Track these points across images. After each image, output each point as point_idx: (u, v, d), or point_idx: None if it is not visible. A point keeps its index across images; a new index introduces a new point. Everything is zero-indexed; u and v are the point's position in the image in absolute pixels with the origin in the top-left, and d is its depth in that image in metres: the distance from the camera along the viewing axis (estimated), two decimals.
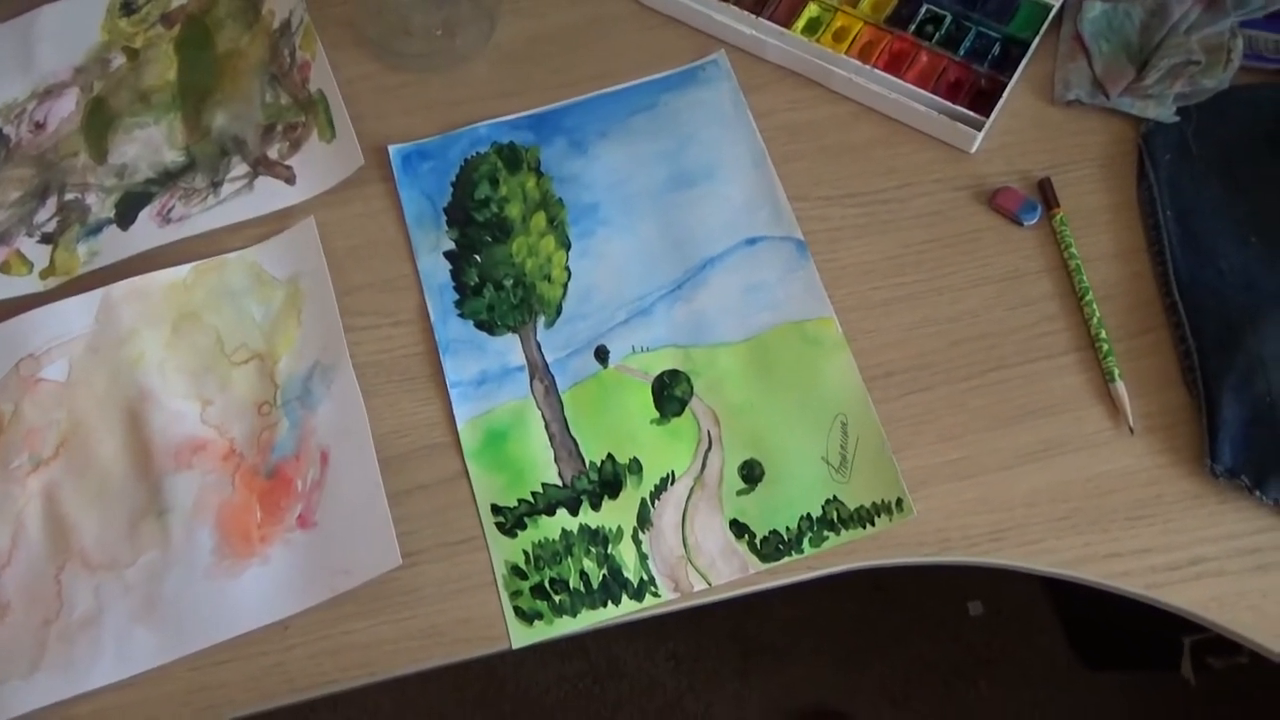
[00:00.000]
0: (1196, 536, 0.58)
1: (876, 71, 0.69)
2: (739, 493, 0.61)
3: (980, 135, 0.67)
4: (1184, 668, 0.97)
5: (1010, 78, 0.68)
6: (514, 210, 0.69)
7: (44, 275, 0.68)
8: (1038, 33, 0.70)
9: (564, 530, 0.60)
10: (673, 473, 0.62)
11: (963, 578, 0.56)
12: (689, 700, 1.28)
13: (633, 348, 0.65)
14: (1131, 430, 0.61)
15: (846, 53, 0.70)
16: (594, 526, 0.60)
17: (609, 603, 0.59)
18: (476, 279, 0.67)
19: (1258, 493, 0.58)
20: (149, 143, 0.73)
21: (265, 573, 0.60)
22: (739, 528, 0.60)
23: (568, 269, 0.67)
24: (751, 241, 0.67)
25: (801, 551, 0.59)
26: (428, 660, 0.58)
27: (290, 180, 0.70)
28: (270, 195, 0.70)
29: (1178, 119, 0.67)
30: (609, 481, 0.62)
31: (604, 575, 0.59)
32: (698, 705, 1.28)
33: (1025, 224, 0.66)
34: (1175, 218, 0.65)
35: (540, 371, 0.65)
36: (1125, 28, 0.69)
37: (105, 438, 0.63)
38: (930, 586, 1.32)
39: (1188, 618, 0.57)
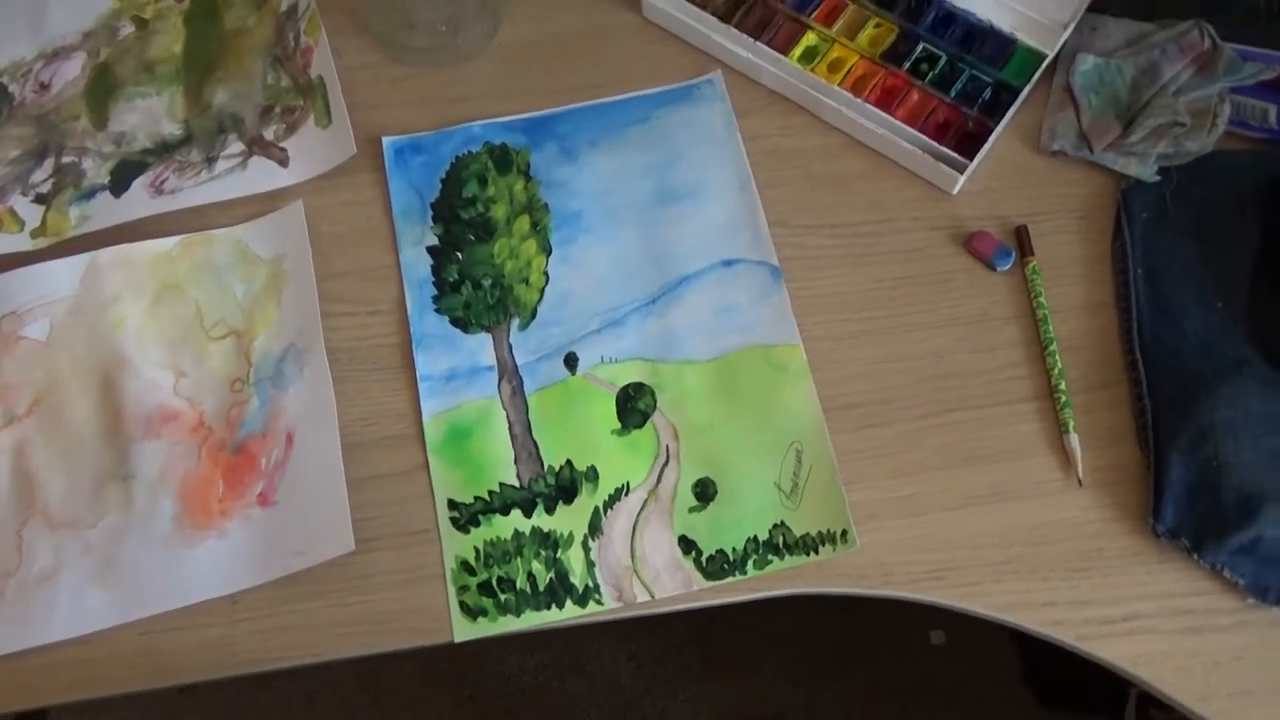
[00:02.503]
0: (1133, 593, 0.59)
1: (867, 106, 0.70)
2: (690, 510, 0.62)
3: (963, 177, 0.68)
4: (1127, 716, 0.99)
5: (998, 122, 0.69)
6: (499, 211, 0.70)
7: (34, 234, 0.70)
8: (1029, 81, 0.70)
9: (516, 531, 0.62)
10: (628, 484, 0.63)
11: (927, 607, 0.57)
12: (646, 702, 1.30)
13: (601, 357, 0.66)
14: (1080, 483, 0.62)
15: (840, 84, 0.71)
16: (546, 530, 0.62)
17: (553, 606, 0.60)
18: (456, 276, 0.68)
19: (1196, 555, 0.59)
20: (149, 113, 0.74)
21: (222, 546, 0.61)
22: (687, 544, 0.61)
23: (546, 274, 0.68)
24: (728, 263, 0.68)
25: (745, 573, 0.60)
26: (371, 646, 0.59)
27: (283, 162, 0.71)
28: (262, 175, 0.71)
29: (1158, 178, 0.68)
30: (565, 487, 0.63)
31: (551, 578, 0.60)
32: (654, 708, 1.29)
33: (998, 269, 0.67)
34: (1145, 276, 0.66)
35: (509, 373, 0.66)
36: (1116, 84, 0.70)
37: (79, 400, 0.65)
38: (895, 612, 1.33)
39: (1116, 672, 0.58)
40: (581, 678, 1.32)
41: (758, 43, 0.72)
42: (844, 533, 0.61)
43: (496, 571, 0.61)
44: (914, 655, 1.32)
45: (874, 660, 1.31)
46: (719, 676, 1.31)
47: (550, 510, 0.62)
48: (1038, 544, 0.61)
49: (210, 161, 0.72)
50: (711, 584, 0.60)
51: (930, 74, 0.71)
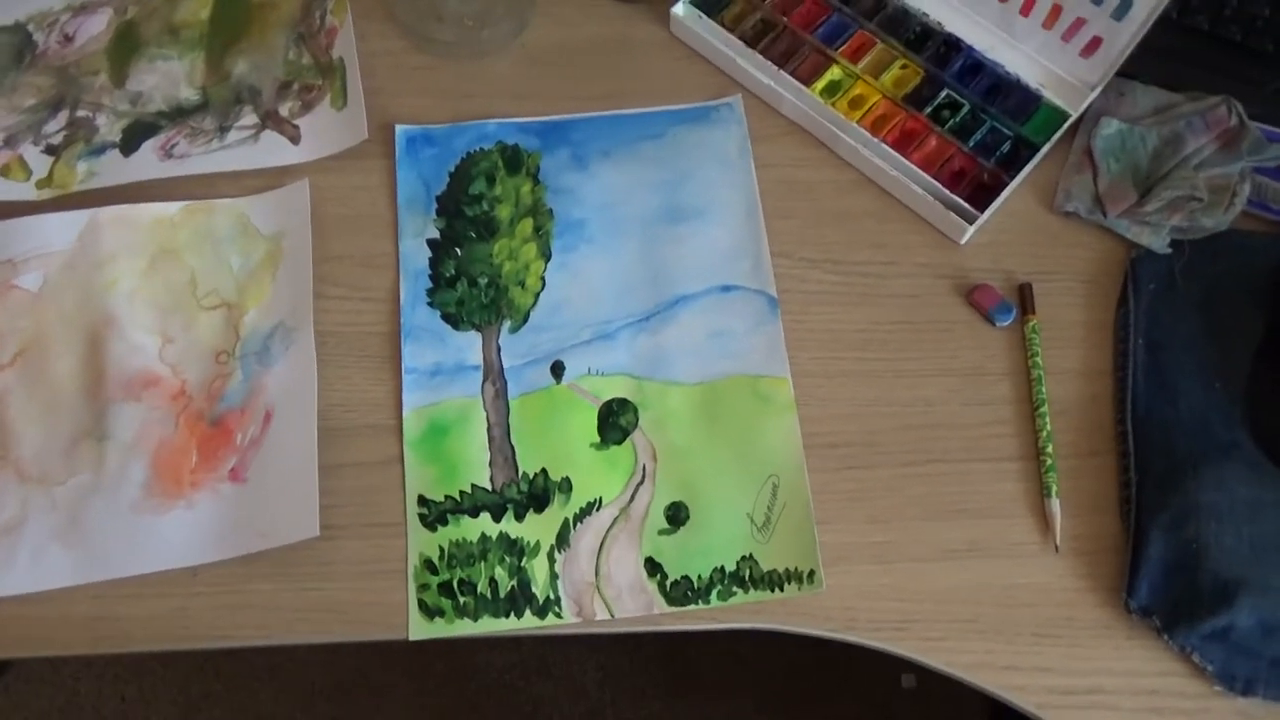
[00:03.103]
0: (1099, 666, 0.59)
1: (884, 146, 0.69)
2: (660, 532, 0.61)
3: (972, 229, 0.67)
4: None
5: (1014, 177, 0.69)
6: (504, 211, 0.70)
7: (40, 185, 0.70)
8: (1050, 138, 0.70)
9: (484, 534, 0.61)
10: (600, 499, 0.62)
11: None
12: (610, 713, 1.29)
13: (589, 369, 0.65)
14: (1057, 549, 0.61)
15: (859, 121, 0.70)
16: (513, 536, 0.61)
17: (511, 614, 0.59)
18: (453, 271, 0.68)
19: (1166, 636, 0.58)
20: (168, 76, 0.74)
21: (188, 517, 0.61)
22: (653, 566, 0.60)
23: (543, 279, 0.68)
24: (726, 289, 0.67)
25: (708, 602, 0.60)
26: (325, 635, 0.59)
27: (295, 139, 0.71)
28: (273, 150, 0.71)
29: (1169, 251, 0.67)
30: (538, 495, 0.62)
31: (513, 586, 0.60)
32: (618, 718, 1.28)
33: (998, 324, 0.66)
34: (1146, 347, 0.65)
35: (495, 374, 0.65)
36: (1137, 151, 0.69)
37: (63, 354, 0.65)
38: (867, 651, 1.31)
39: None
40: (548, 681, 1.31)
41: (781, 71, 0.72)
42: (811, 573, 0.60)
43: (459, 573, 0.60)
44: (882, 696, 1.31)
45: (841, 698, 1.30)
46: (686, 695, 1.30)
47: (520, 517, 0.62)
48: (1007, 605, 0.60)
49: (223, 131, 0.72)
50: (673, 609, 0.60)
51: (951, 121, 0.71)
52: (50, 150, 0.71)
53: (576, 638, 0.59)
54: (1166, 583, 0.59)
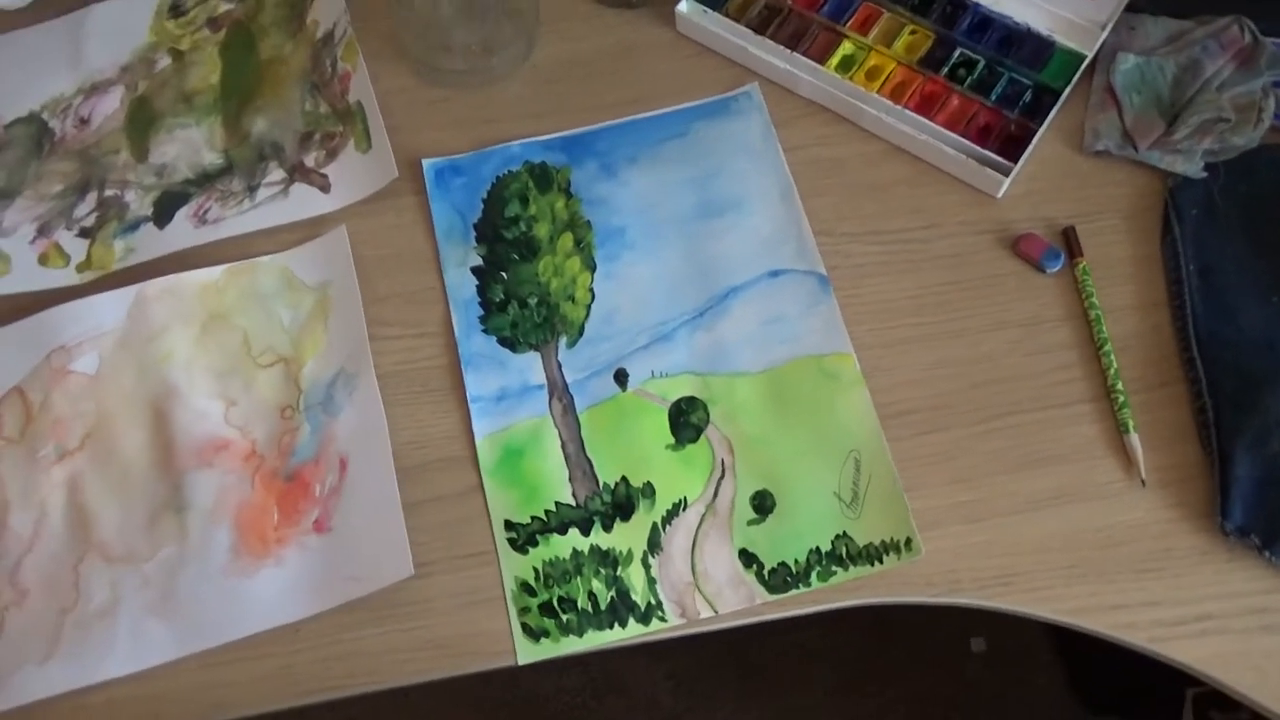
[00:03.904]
0: (1203, 593, 0.59)
1: (907, 112, 0.70)
2: (749, 523, 0.61)
3: (1008, 181, 0.68)
4: (1185, 718, 0.97)
5: (1040, 125, 0.69)
6: (542, 230, 0.70)
7: (80, 269, 0.70)
8: (1069, 82, 0.70)
9: (575, 550, 0.61)
10: (685, 499, 0.62)
11: (966, 614, 0.56)
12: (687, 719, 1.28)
13: (652, 372, 0.66)
14: (1144, 483, 0.61)
15: (878, 92, 0.71)
16: (605, 548, 0.61)
17: (615, 625, 0.59)
18: (502, 295, 0.68)
19: (1267, 553, 0.58)
20: (189, 144, 0.74)
21: (279, 575, 0.61)
22: (748, 557, 0.61)
23: (592, 291, 0.68)
24: (775, 274, 0.68)
25: (809, 585, 0.60)
26: (434, 671, 0.59)
27: (325, 188, 0.72)
28: (305, 202, 0.71)
29: (1205, 175, 0.68)
30: (622, 504, 0.62)
31: (612, 597, 0.60)
32: None
33: (1048, 271, 0.67)
34: (1198, 273, 0.65)
35: (559, 391, 0.65)
36: (1157, 82, 0.70)
37: (130, 432, 0.65)
38: (933, 621, 1.31)
39: (1190, 674, 0.57)
40: (619, 697, 1.31)
41: (794, 53, 0.72)
42: (909, 541, 0.60)
43: (557, 591, 0.60)
44: (954, 664, 1.30)
45: (912, 671, 1.30)
46: (758, 693, 1.29)
47: (608, 528, 0.62)
48: (1104, 546, 0.60)
49: (252, 190, 0.72)
50: (775, 597, 0.60)
51: (969, 79, 0.71)
52: (84, 233, 0.71)
53: (643, 649, 0.59)
54: (1260, 499, 0.59)
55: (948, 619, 1.38)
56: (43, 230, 0.71)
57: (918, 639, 1.31)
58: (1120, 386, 0.63)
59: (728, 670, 1.31)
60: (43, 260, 0.70)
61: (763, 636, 1.32)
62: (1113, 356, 0.64)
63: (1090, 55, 0.71)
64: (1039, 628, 1.30)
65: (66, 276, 0.70)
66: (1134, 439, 0.62)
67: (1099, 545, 0.60)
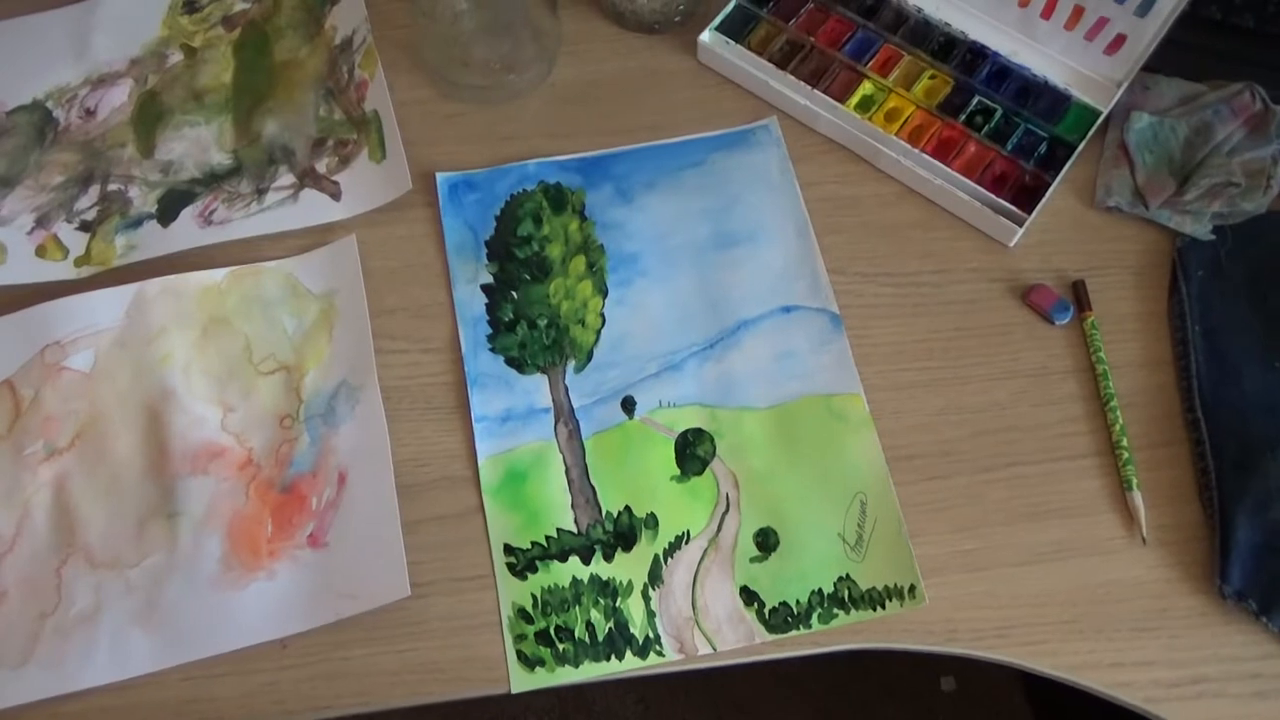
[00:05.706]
0: (1200, 655, 0.59)
1: (924, 156, 0.70)
2: (752, 560, 0.61)
3: (1021, 231, 0.68)
4: None
5: (1054, 177, 0.70)
6: (555, 251, 0.69)
7: (78, 263, 0.68)
8: (1084, 136, 0.71)
9: (575, 578, 0.60)
10: (688, 532, 0.62)
11: (938, 653, 0.57)
12: None
13: (659, 402, 0.65)
14: (1144, 541, 0.61)
15: (897, 134, 0.71)
16: (605, 577, 0.60)
17: (613, 657, 0.58)
18: (511, 315, 0.67)
19: (1264, 619, 0.58)
20: (198, 142, 0.73)
21: (270, 588, 0.59)
22: (749, 595, 0.60)
23: (603, 315, 0.68)
24: (787, 309, 0.67)
25: (809, 626, 0.59)
26: (425, 695, 0.58)
27: (336, 196, 0.70)
28: (314, 208, 0.70)
29: (1213, 237, 0.68)
30: (624, 533, 0.61)
31: (610, 628, 0.59)
32: None
33: (1057, 323, 0.67)
34: (1203, 333, 0.66)
35: (566, 415, 0.65)
36: (1169, 142, 0.71)
37: (123, 433, 0.63)
38: (905, 658, 1.31)
39: None
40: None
41: (815, 90, 0.72)
42: (912, 587, 0.60)
43: (555, 620, 0.59)
44: (924, 702, 1.30)
45: (883, 707, 1.30)
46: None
47: (609, 558, 0.61)
48: (1103, 602, 0.60)
49: (260, 193, 0.71)
50: (774, 637, 0.59)
51: (986, 126, 0.72)
52: (85, 227, 0.69)
53: None
54: (1258, 565, 0.59)
55: (919, 656, 1.38)
56: (41, 221, 0.69)
57: (889, 675, 1.31)
58: (1125, 443, 0.63)
59: (700, 699, 1.30)
60: (40, 252, 0.68)
61: (735, 667, 1.32)
62: (1118, 412, 0.64)
63: (1105, 111, 0.72)
64: (1008, 670, 1.30)
65: (64, 270, 0.68)
66: (1136, 496, 0.62)
67: (1098, 601, 0.60)
